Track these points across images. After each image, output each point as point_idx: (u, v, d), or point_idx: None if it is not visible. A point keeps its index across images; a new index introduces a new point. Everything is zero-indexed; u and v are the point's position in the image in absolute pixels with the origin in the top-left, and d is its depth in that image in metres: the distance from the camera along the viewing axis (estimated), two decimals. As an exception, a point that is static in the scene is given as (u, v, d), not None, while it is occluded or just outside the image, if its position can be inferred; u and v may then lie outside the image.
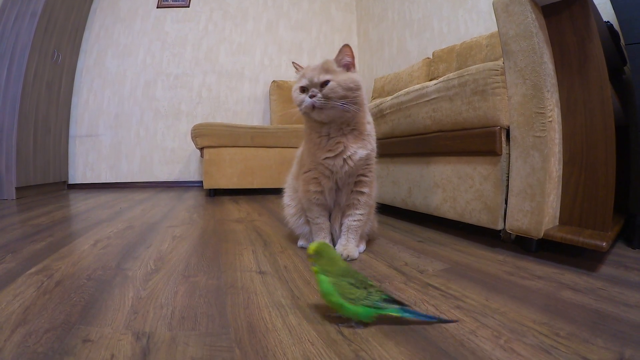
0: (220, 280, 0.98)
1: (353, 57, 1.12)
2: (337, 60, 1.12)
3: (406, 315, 0.71)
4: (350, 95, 1.09)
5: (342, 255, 1.18)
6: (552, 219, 1.16)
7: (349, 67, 1.12)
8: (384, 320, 0.73)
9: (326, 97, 1.08)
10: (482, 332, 0.67)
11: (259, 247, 1.35)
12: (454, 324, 0.71)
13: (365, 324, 0.72)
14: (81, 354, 0.60)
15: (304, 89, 1.13)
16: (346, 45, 1.10)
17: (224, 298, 0.86)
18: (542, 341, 0.63)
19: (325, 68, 1.10)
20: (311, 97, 1.09)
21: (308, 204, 1.25)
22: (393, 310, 0.71)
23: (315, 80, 1.09)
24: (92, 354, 0.60)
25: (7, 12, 2.96)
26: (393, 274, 1.04)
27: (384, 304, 0.71)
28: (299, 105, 1.14)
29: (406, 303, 0.75)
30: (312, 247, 0.77)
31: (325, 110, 1.09)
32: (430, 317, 0.72)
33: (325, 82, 1.08)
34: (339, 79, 1.08)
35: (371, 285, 0.74)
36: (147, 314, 0.76)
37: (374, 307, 0.71)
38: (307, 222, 1.30)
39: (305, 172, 1.25)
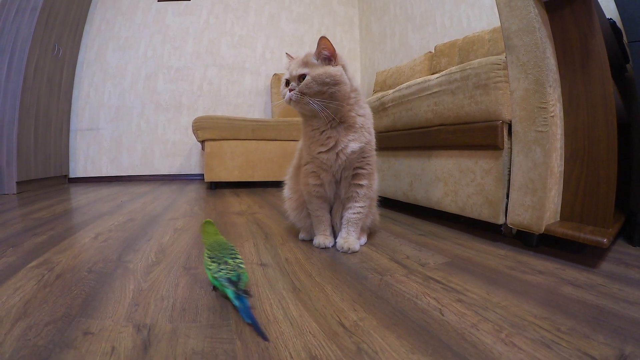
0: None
1: (332, 50, 1.10)
2: (316, 53, 1.11)
3: (235, 303, 0.72)
4: (327, 91, 1.08)
5: (342, 247, 1.18)
6: (553, 215, 1.16)
7: (329, 60, 1.11)
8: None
9: (301, 92, 1.08)
10: (483, 326, 0.67)
11: (260, 240, 1.35)
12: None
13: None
14: (82, 346, 0.60)
15: (288, 82, 1.13)
16: (323, 38, 1.08)
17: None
18: (543, 336, 0.63)
19: (304, 61, 1.10)
20: (290, 90, 1.09)
21: (308, 197, 1.25)
22: (228, 292, 0.74)
23: (294, 73, 1.09)
24: (92, 347, 0.60)
25: (7, 6, 2.95)
26: (394, 266, 1.04)
27: (226, 284, 0.75)
28: (283, 97, 1.14)
29: (247, 292, 0.76)
30: (204, 221, 0.98)
31: (300, 104, 1.10)
32: (250, 318, 0.68)
33: (302, 76, 1.08)
34: (314, 73, 1.07)
35: (226, 263, 0.81)
36: (148, 306, 0.76)
37: (219, 282, 0.77)
38: (308, 215, 1.30)
39: (304, 165, 1.25)
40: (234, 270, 0.79)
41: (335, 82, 1.08)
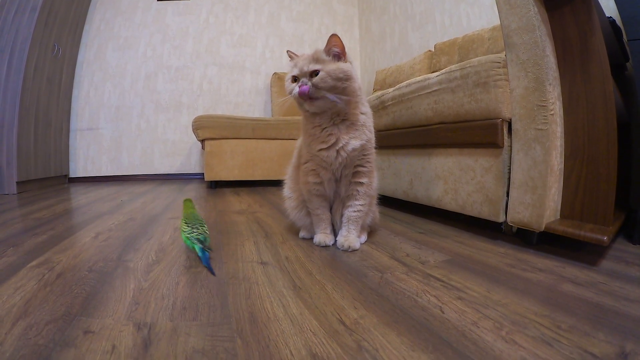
0: (222, 270, 0.99)
1: (342, 47, 1.11)
2: (326, 50, 1.11)
3: (199, 254, 1.03)
4: (340, 86, 1.09)
5: (342, 246, 1.19)
6: (553, 213, 1.16)
7: (339, 57, 1.11)
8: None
9: (316, 87, 1.08)
10: (483, 324, 0.67)
11: (260, 238, 1.35)
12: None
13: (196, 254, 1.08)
14: (82, 345, 0.60)
15: (295, 79, 1.13)
16: (333, 35, 1.08)
17: (225, 289, 0.86)
18: (544, 333, 0.63)
19: (315, 58, 1.10)
20: (300, 86, 1.09)
21: (308, 195, 1.25)
22: (197, 248, 1.04)
23: (305, 69, 1.09)
24: (93, 345, 0.60)
25: (7, 6, 2.95)
26: (395, 264, 1.04)
27: (195, 241, 1.04)
28: (290, 93, 1.14)
29: (210, 249, 1.06)
30: (184, 199, 1.35)
31: (316, 100, 1.10)
32: (207, 264, 1.00)
33: (315, 72, 1.08)
34: (328, 68, 1.08)
35: (196, 227, 1.10)
36: (149, 305, 0.76)
37: (190, 241, 1.06)
38: (308, 213, 1.30)
39: (304, 164, 1.25)
40: (202, 234, 1.07)
41: (347, 78, 1.10)
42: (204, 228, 1.11)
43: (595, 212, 1.11)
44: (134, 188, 3.24)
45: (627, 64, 1.59)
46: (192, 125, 3.17)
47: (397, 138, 1.84)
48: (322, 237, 1.25)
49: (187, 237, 1.07)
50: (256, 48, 4.43)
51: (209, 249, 1.05)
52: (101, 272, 0.97)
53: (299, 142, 1.33)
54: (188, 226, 1.10)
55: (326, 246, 1.23)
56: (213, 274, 0.96)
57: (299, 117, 1.25)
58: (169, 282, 0.90)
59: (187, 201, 1.33)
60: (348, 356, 0.57)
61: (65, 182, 3.87)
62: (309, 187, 1.23)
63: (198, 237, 1.05)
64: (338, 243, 1.22)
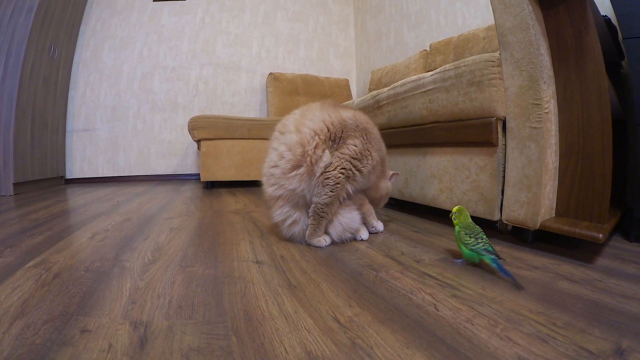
0: (218, 270, 0.99)
1: None
2: None
3: (493, 265, 0.92)
4: None
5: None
6: (548, 210, 1.17)
7: None
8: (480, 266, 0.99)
9: None
10: (478, 321, 0.68)
11: (255, 238, 1.35)
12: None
13: (472, 264, 1.02)
14: (79, 344, 0.60)
15: None
16: None
17: (221, 287, 0.86)
18: (539, 330, 0.64)
19: None
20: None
21: (335, 199, 1.23)
22: (487, 258, 0.93)
23: None
24: (90, 344, 0.60)
25: (3, 7, 2.93)
26: (390, 263, 1.05)
27: (484, 253, 0.94)
28: None
29: (501, 257, 0.93)
30: (455, 209, 1.10)
31: None
32: (507, 273, 0.89)
33: None
34: None
35: (481, 238, 0.98)
36: (145, 304, 0.76)
37: (477, 253, 0.96)
38: (293, 223, 1.28)
39: (341, 175, 1.22)
40: (487, 242, 0.97)
41: None
42: (485, 238, 0.99)
43: (591, 210, 1.11)
44: (131, 189, 3.24)
45: (623, 62, 1.60)
46: (188, 126, 3.17)
47: (392, 137, 1.84)
48: (326, 237, 1.25)
49: (472, 249, 0.97)
50: (252, 48, 4.43)
51: (500, 257, 0.93)
52: (98, 272, 0.97)
53: (297, 151, 1.30)
54: (471, 237, 1.00)
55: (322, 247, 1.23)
56: (515, 282, 0.87)
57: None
58: (165, 281, 0.90)
59: (463, 209, 1.10)
60: (342, 353, 0.58)
61: (61, 183, 3.86)
62: (343, 193, 1.24)
63: (486, 247, 0.95)
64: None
